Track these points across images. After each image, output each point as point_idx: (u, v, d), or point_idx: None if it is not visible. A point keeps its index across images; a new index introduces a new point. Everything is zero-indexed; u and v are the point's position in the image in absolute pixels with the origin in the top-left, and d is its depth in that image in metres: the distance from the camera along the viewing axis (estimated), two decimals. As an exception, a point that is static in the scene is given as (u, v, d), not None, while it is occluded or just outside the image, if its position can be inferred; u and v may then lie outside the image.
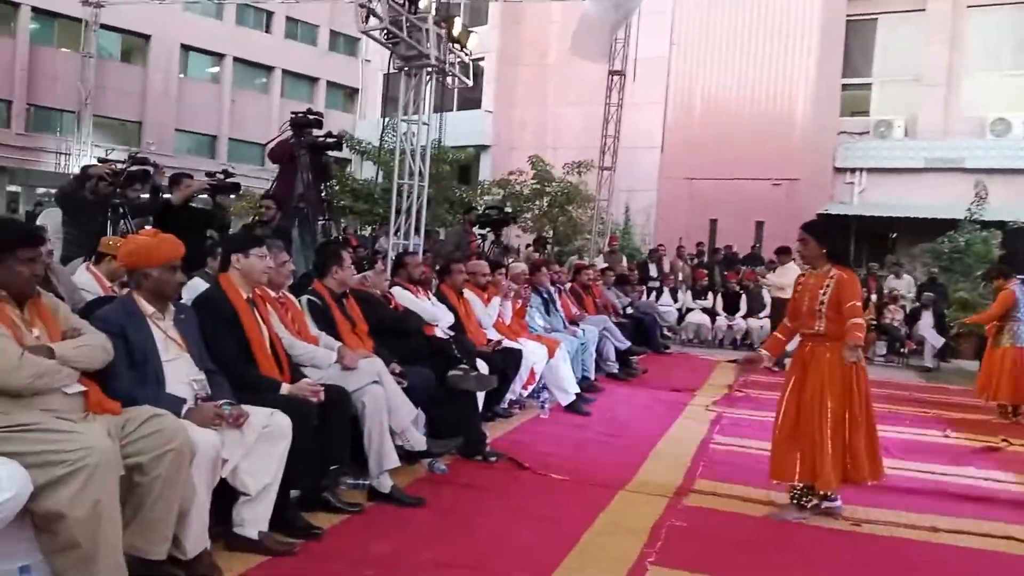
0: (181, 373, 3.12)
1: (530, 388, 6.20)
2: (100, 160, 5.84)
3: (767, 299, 11.29)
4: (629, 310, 10.29)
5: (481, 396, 5.17)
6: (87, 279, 4.42)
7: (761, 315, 11.51)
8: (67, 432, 2.44)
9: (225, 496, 3.09)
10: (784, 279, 9.73)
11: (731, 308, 11.99)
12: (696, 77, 19.07)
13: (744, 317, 11.86)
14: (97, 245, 4.73)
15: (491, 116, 22.62)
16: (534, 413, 6.12)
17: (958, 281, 12.67)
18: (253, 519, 3.13)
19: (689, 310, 12.30)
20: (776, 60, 18.15)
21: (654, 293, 12.45)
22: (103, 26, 22.29)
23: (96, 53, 22.12)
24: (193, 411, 2.96)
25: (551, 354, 6.30)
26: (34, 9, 25.02)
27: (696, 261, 14.13)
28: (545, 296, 7.48)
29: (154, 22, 26.10)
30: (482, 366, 5.13)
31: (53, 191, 23.67)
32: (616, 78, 15.06)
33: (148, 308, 3.13)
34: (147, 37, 27.53)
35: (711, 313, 12.13)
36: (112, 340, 2.89)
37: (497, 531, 3.61)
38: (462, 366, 4.76)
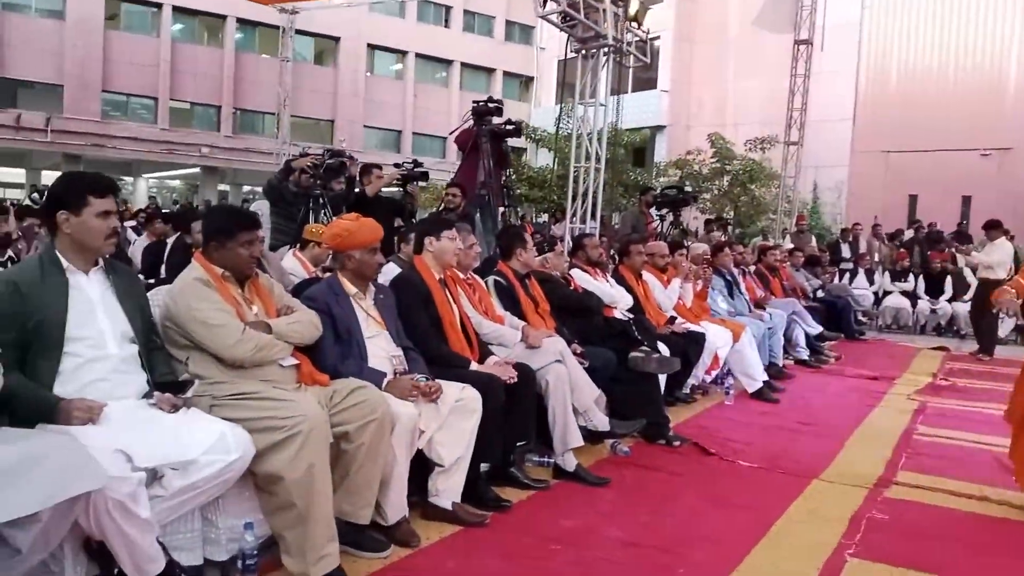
0: (381, 349, 3.30)
1: (713, 373, 6.03)
2: (301, 154, 6.27)
3: (971, 280, 10.30)
4: (820, 293, 9.77)
5: (663, 379, 5.09)
6: (293, 264, 4.79)
7: (965, 298, 10.53)
8: (284, 400, 2.65)
9: (421, 467, 3.24)
10: (993, 257, 8.85)
11: (934, 291, 11.06)
12: (891, 41, 17.73)
13: (949, 300, 10.90)
14: (301, 232, 5.11)
15: (667, 95, 22.18)
16: (718, 399, 5.95)
17: None
18: (447, 490, 3.27)
19: (887, 293, 11.47)
20: (984, 17, 16.46)
21: (847, 275, 11.72)
22: (298, 31, 23.93)
23: (292, 57, 23.81)
24: (392, 384, 3.13)
25: (736, 338, 6.08)
26: (239, 20, 27.26)
27: (895, 241, 13.13)
28: (728, 278, 7.23)
29: (343, 25, 27.70)
30: (663, 349, 5.05)
31: (258, 188, 25.95)
32: (803, 47, 14.27)
33: (351, 288, 3.34)
34: (337, 39, 29.26)
35: (912, 296, 11.25)
36: (320, 317, 3.11)
37: (684, 515, 3.54)
38: (643, 348, 4.70)
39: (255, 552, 2.60)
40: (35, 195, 13.60)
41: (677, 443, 4.62)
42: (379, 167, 6.78)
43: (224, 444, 2.44)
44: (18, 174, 26.52)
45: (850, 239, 12.66)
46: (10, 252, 5.11)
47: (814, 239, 12.89)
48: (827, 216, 17.63)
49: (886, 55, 17.78)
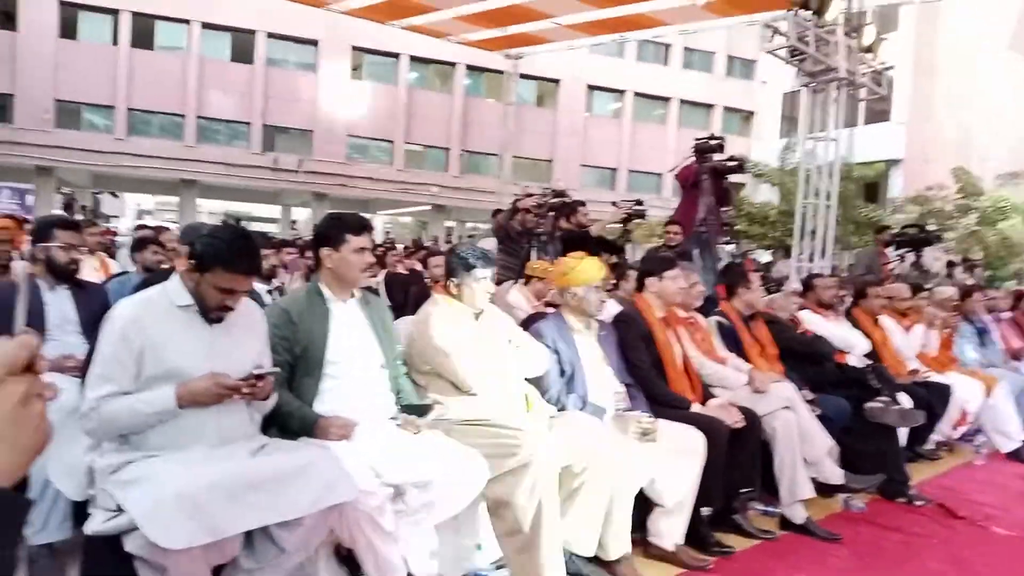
0: (603, 384, 3.35)
1: (961, 430, 5.48)
2: (527, 195, 6.54)
3: None
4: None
5: (903, 433, 4.70)
6: (517, 298, 4.98)
7: None
8: (515, 429, 2.78)
9: (643, 506, 3.23)
10: None
11: None
12: None
13: None
14: (524, 268, 5.31)
15: (903, 127, 20.63)
16: (967, 458, 5.39)
17: None
18: (668, 531, 3.23)
19: None
20: None
21: None
22: (522, 75, 25.01)
23: (515, 100, 24.89)
24: (616, 420, 3.17)
25: (988, 392, 5.49)
26: (468, 67, 28.95)
27: None
28: (979, 326, 6.56)
29: (564, 67, 28.55)
30: (904, 399, 4.67)
31: (480, 224, 27.25)
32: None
33: (575, 324, 3.43)
34: (557, 81, 30.22)
35: None
36: (546, 351, 3.22)
37: (927, 581, 3.25)
38: (882, 398, 4.38)
39: (485, 572, 2.72)
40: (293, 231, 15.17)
41: (919, 503, 4.24)
42: (583, 204, 6.91)
43: (461, 467, 2.60)
44: (273, 210, 29.75)
45: None
46: (276, 282, 5.73)
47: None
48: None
49: None
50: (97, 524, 2.20)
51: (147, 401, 2.19)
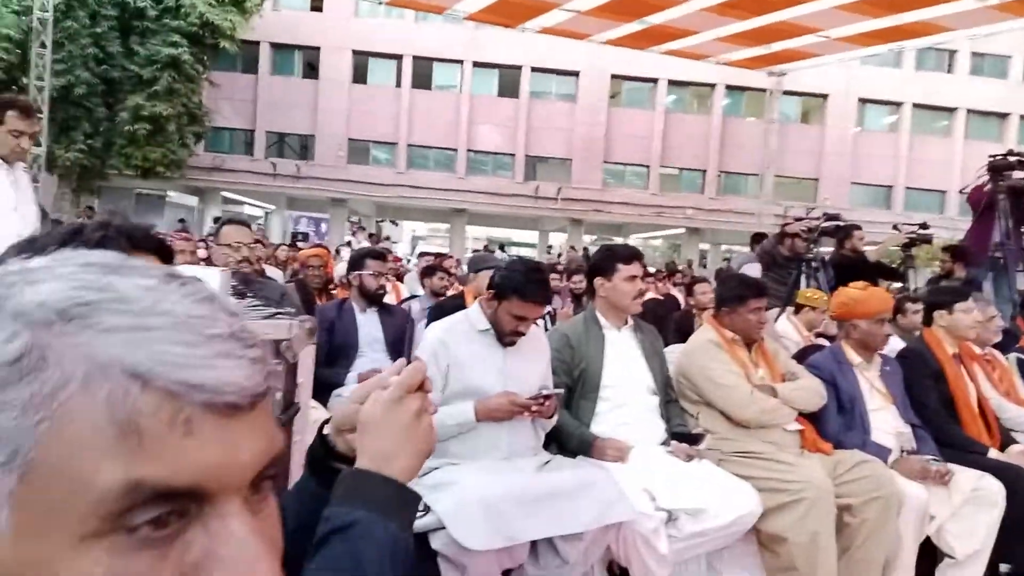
0: (886, 423, 3.19)
1: None
2: (796, 219, 6.31)
3: None
4: None
5: None
6: (787, 327, 4.86)
7: None
8: (790, 464, 2.75)
9: (930, 554, 3.02)
10: None
11: None
12: None
13: None
14: (792, 296, 5.15)
15: None
16: None
17: None
18: (960, 585, 2.99)
19: None
20: None
21: None
22: (785, 92, 24.05)
23: (778, 118, 23.97)
24: (900, 462, 3.00)
25: None
26: (727, 87, 28.38)
27: None
28: None
29: (832, 81, 27.02)
30: None
31: (735, 248, 26.48)
32: None
33: (855, 358, 3.30)
34: (825, 96, 28.64)
35: None
36: (823, 386, 3.14)
37: None
38: None
39: (754, 607, 2.71)
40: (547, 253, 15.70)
41: None
42: (859, 227, 6.50)
43: (733, 498, 2.62)
44: (531, 235, 31.12)
45: None
46: (548, 308, 6.08)
47: None
48: None
49: None
50: (407, 522, 2.52)
51: (451, 414, 2.48)
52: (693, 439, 2.89)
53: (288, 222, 29.71)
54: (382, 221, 28.43)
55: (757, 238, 8.47)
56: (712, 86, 28.46)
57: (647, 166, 28.69)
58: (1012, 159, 6.90)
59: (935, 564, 3.03)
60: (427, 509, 2.43)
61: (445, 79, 27.90)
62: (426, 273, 5.70)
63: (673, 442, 2.86)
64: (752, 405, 2.93)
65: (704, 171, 29.10)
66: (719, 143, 28.71)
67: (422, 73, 27.56)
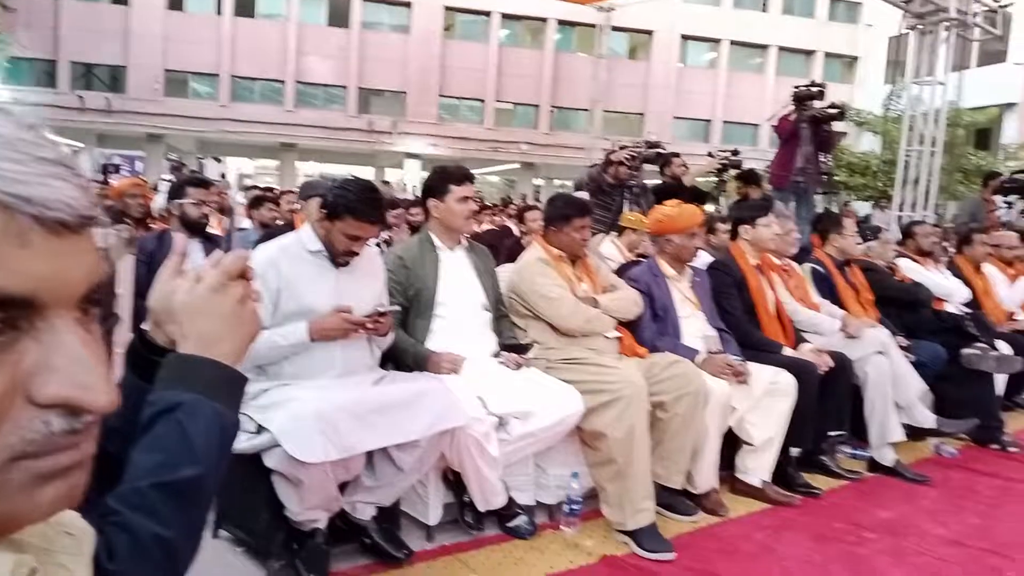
0: (695, 328, 3.49)
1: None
2: (621, 147, 6.60)
3: None
4: None
5: (1000, 380, 4.65)
6: (611, 249, 5.12)
7: None
8: (610, 367, 2.96)
9: (732, 444, 3.38)
10: None
11: None
12: None
13: None
14: (617, 220, 5.44)
15: (1020, 69, 19.36)
16: (1071, 409, 5.27)
17: None
18: (756, 468, 3.37)
19: None
20: None
21: None
22: (613, 28, 24.66)
23: (606, 54, 24.59)
24: (707, 361, 3.31)
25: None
26: (559, 21, 28.70)
27: None
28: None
29: (658, 18, 27.96)
30: (1003, 347, 4.61)
31: (568, 182, 27.18)
32: None
33: (669, 270, 3.57)
34: (650, 33, 29.61)
35: None
36: (640, 296, 3.38)
37: (1021, 523, 3.28)
38: (979, 344, 4.35)
39: (579, 499, 2.93)
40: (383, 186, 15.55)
41: (1013, 449, 4.23)
42: (678, 155, 6.92)
43: (559, 400, 2.82)
44: (367, 171, 30.51)
45: None
46: (384, 236, 6.05)
47: None
48: None
49: None
50: (239, 444, 2.51)
51: (283, 335, 2.47)
52: (522, 349, 3.04)
53: (99, 160, 27.41)
54: (204, 158, 26.79)
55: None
56: (544, 20, 28.68)
57: (482, 100, 28.68)
58: (814, 89, 7.51)
59: (736, 451, 3.40)
60: (260, 430, 2.44)
61: (270, 7, 26.42)
62: (254, 204, 5.52)
63: (504, 353, 3.01)
64: (576, 315, 3.11)
65: (537, 106, 29.47)
66: (552, 78, 29.11)
67: (245, 1, 25.93)
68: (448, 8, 27.52)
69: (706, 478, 3.20)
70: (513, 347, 3.06)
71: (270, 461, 2.43)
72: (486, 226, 9.77)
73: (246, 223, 6.12)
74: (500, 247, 6.80)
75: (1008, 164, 15.40)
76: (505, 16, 28.22)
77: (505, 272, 3.45)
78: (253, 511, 2.59)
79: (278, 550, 2.48)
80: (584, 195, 6.96)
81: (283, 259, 2.53)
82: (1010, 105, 19.41)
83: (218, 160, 27.62)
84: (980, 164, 15.42)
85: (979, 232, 5.52)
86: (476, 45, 28.32)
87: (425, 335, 2.98)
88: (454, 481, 2.87)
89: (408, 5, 27.20)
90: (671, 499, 3.12)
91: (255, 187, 8.92)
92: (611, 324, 3.22)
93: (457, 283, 3.05)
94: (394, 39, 27.64)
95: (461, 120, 28.87)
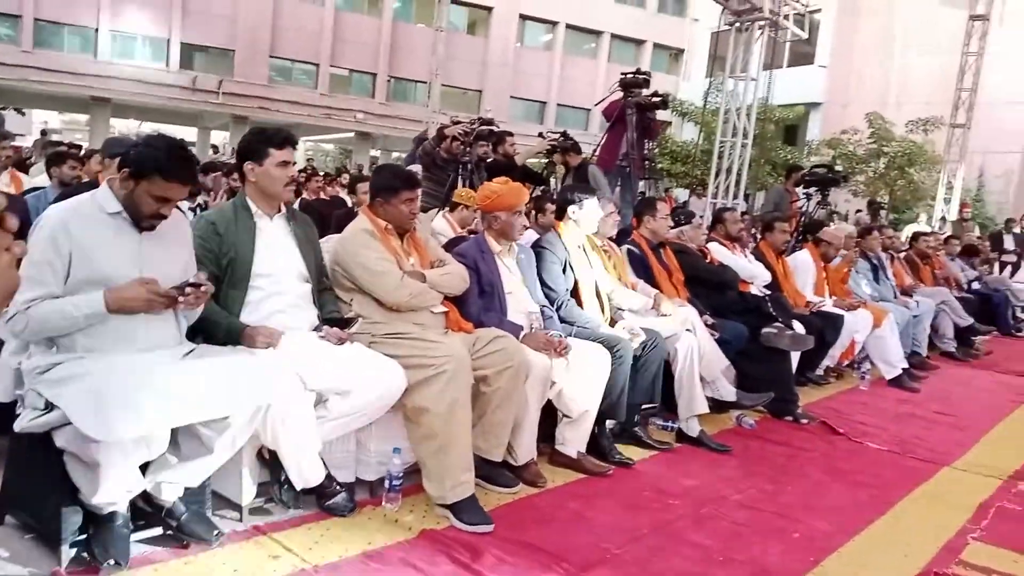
0: (520, 304, 3.56)
1: (849, 359, 5.95)
2: (454, 122, 6.58)
3: None
4: (976, 285, 9.24)
5: (796, 357, 5.09)
6: (442, 225, 5.11)
7: None
8: (434, 342, 2.95)
9: (551, 418, 3.48)
10: None
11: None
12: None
13: None
14: (450, 196, 5.43)
15: (825, 71, 21.18)
16: (853, 384, 5.86)
17: None
18: (573, 439, 3.49)
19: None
20: None
21: (1009, 268, 10.98)
22: (453, 1, 24.47)
23: (446, 26, 24.39)
24: (528, 337, 3.37)
25: (877, 323, 5.95)
26: (398, -11, 28.21)
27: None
28: (875, 262, 7.02)
29: (498, -6, 28.09)
30: (798, 327, 5.04)
31: (404, 155, 26.80)
32: (978, 23, 13.29)
33: (496, 246, 3.60)
34: (490, 9, 29.69)
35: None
36: (467, 272, 3.39)
37: (805, 487, 3.61)
38: (777, 324, 4.73)
39: (400, 475, 2.92)
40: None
41: (805, 420, 4.65)
42: (511, 134, 7.02)
43: (381, 376, 2.77)
44: (191, 132, 28.68)
45: (1016, 230, 11.82)
46: (200, 200, 5.70)
47: (977, 228, 12.12)
48: (992, 205, 16.45)
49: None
50: (25, 422, 2.29)
51: (76, 304, 2.25)
52: (345, 323, 2.96)
53: None
54: (4, 109, 24.16)
55: (418, 140, 8.72)
56: (383, -13, 28.04)
57: (316, 64, 27.69)
58: (640, 77, 7.82)
59: (555, 424, 3.51)
60: (49, 407, 2.24)
61: (79, -56, 24.08)
62: (55, 161, 5.02)
63: (325, 327, 2.92)
64: (402, 289, 3.07)
65: (375, 75, 28.83)
66: (389, 47, 28.54)
67: (48, -67, 23.48)
68: (282, -35, 26.28)
69: (526, 450, 3.28)
70: (336, 321, 2.97)
71: (61, 440, 2.24)
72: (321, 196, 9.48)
73: (42, 180, 5.57)
74: (330, 217, 6.63)
75: (811, 159, 16.82)
76: (342, -22, 27.34)
77: (330, 243, 3.34)
78: (42, 494, 2.38)
79: (72, 536, 2.29)
80: (417, 168, 6.92)
81: (74, 220, 2.30)
82: (815, 104, 21.17)
83: (20, 112, 24.98)
84: (787, 158, 16.74)
85: (780, 220, 5.98)
86: (310, 6, 27.24)
87: (239, 307, 2.82)
88: (270, 459, 2.77)
89: (240, -43, 25.71)
90: (491, 471, 3.17)
91: (53, 142, 8.11)
92: (438, 299, 3.20)
93: (276, 253, 2.91)
94: (222, -8, 26.09)
95: (294, 84, 27.74)
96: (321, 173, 13.92)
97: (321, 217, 7.47)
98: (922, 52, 18.60)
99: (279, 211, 3.00)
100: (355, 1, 28.80)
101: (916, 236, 8.70)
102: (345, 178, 11.23)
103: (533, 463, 3.33)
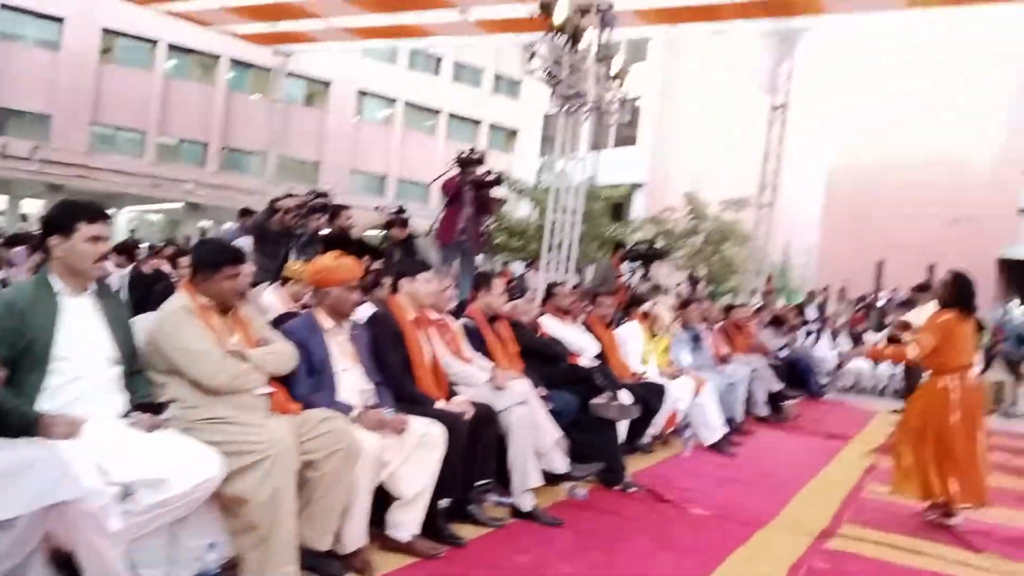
0: (352, 382, 3.47)
1: (673, 427, 6.23)
2: (287, 195, 6.45)
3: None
4: (784, 352, 10.01)
5: (623, 427, 5.26)
6: (272, 300, 4.94)
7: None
8: (255, 426, 2.81)
9: (381, 500, 3.37)
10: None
11: (897, 354, 11.34)
12: (864, 110, 18.39)
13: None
14: (282, 270, 5.28)
15: (647, 153, 22.70)
16: (677, 450, 6.12)
17: None
18: (406, 522, 3.38)
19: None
20: (953, 93, 17.16)
21: (812, 336, 12.00)
22: (290, 74, 24.27)
23: (283, 99, 24.10)
24: (361, 416, 3.28)
25: (697, 391, 6.29)
26: (233, 60, 27.63)
27: (859, 304, 13.50)
28: (693, 333, 7.46)
29: (336, 69, 28.18)
30: (625, 397, 5.23)
31: (236, 226, 25.76)
32: (778, 111, 14.71)
33: (327, 323, 3.51)
34: (328, 84, 29.74)
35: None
36: (296, 349, 3.28)
37: (633, 556, 3.69)
38: (605, 394, 4.89)
39: (216, 572, 2.72)
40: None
41: (632, 489, 4.78)
42: (347, 207, 6.99)
43: (196, 465, 2.59)
44: (1, 201, 26.48)
45: (818, 301, 12.99)
46: (1, 275, 5.23)
47: (782, 299, 13.21)
48: (796, 278, 18.08)
49: (860, 123, 18.45)
50: None
51: None
52: (157, 408, 2.77)
53: None
54: None
55: (244, 213, 8.51)
56: (217, 57, 27.48)
57: (143, 132, 26.51)
58: (474, 156, 8.05)
59: (387, 507, 3.40)
60: None
61: None
62: None
63: (134, 413, 2.71)
64: (223, 372, 2.92)
65: (207, 144, 27.97)
66: (223, 117, 27.87)
67: None
68: (107, 31, 25.19)
69: (355, 537, 3.15)
70: (147, 406, 2.77)
71: None
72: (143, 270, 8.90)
73: None
74: (150, 293, 6.26)
75: (635, 235, 17.83)
76: (173, 47, 26.54)
77: (145, 322, 3.14)
78: None
79: None
80: (248, 241, 6.70)
81: None
82: (639, 184, 22.57)
83: None
84: (614, 234, 17.67)
85: (605, 295, 6.26)
86: (138, 72, 26.20)
87: (36, 394, 2.58)
88: (66, 563, 2.49)
89: (60, 20, 24.42)
90: (316, 561, 3.01)
91: None
92: (262, 380, 3.06)
93: (80, 334, 2.69)
94: (40, 55, 24.59)
95: (118, 152, 26.33)
96: (145, 245, 13.16)
97: (141, 292, 7.07)
98: (732, 136, 20.38)
99: (87, 289, 2.80)
100: (187, 69, 27.99)
101: (729, 308, 9.35)
102: (166, 250, 10.66)
103: (363, 550, 3.20)
